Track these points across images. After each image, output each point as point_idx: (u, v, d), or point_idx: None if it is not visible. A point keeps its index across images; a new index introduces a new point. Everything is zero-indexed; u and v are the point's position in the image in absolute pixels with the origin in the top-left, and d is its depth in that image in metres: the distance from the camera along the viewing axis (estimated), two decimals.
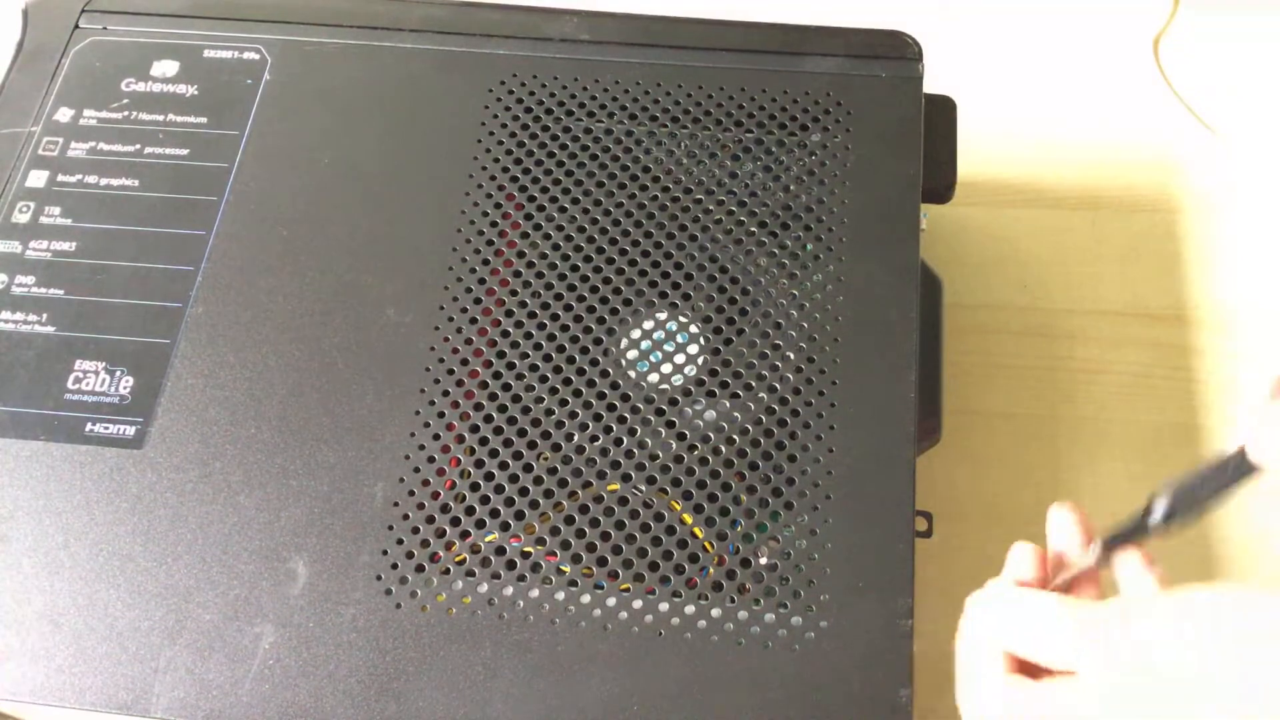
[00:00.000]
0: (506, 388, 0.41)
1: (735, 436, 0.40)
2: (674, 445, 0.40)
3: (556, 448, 0.40)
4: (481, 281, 0.43)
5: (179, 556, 0.38)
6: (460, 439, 0.40)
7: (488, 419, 0.41)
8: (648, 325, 0.42)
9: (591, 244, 0.44)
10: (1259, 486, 0.30)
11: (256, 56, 0.48)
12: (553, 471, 0.40)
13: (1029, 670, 0.31)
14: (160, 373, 0.42)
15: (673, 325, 0.43)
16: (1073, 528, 0.34)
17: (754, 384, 0.41)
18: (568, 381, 0.41)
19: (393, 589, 0.38)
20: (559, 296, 0.43)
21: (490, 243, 0.44)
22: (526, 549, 0.39)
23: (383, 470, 0.40)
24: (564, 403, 0.41)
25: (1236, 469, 0.30)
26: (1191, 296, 0.56)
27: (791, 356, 0.41)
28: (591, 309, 0.43)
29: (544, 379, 0.41)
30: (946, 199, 0.48)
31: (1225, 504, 0.30)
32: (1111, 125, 0.61)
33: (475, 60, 0.48)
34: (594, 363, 0.42)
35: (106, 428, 0.41)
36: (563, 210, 0.45)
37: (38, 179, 0.46)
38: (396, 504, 0.39)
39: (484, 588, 0.38)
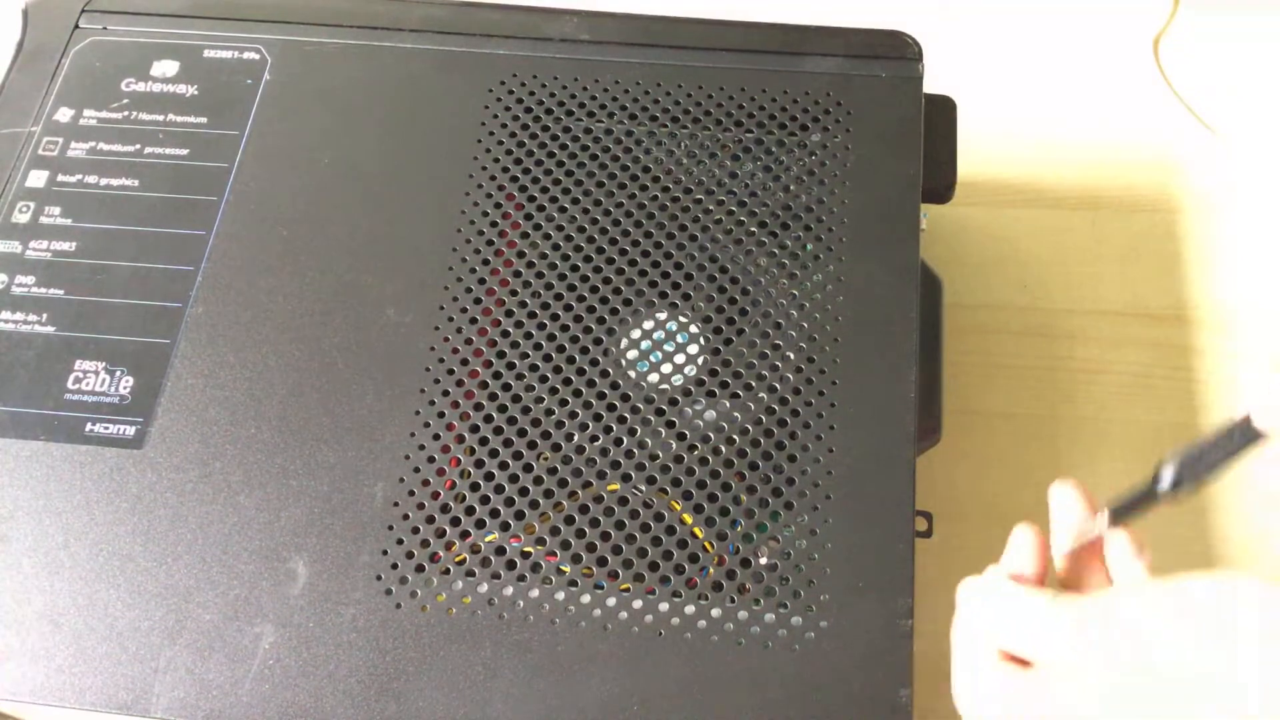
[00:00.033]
0: (506, 388, 0.41)
1: (735, 436, 0.40)
2: (674, 445, 0.40)
3: (556, 448, 0.40)
4: (481, 281, 0.43)
5: (179, 556, 0.38)
6: (460, 439, 0.40)
7: (488, 419, 0.41)
8: (648, 325, 0.42)
9: (591, 244, 0.44)
10: (1264, 453, 0.30)
11: (256, 56, 0.48)
12: (553, 471, 0.40)
13: (1025, 662, 0.31)
14: (160, 373, 0.42)
15: (673, 325, 0.43)
16: (1076, 501, 0.34)
17: (754, 384, 0.41)
18: (568, 381, 0.41)
19: (393, 589, 0.38)
20: (559, 296, 0.43)
21: (490, 243, 0.44)
22: (526, 549, 0.39)
23: (383, 470, 0.40)
24: (564, 403, 0.41)
25: (1242, 436, 0.30)
26: (1191, 296, 0.56)
27: (791, 356, 0.41)
28: (591, 309, 0.43)
29: (544, 379, 0.41)
30: (946, 199, 0.48)
31: (1231, 470, 0.30)
32: (1111, 125, 0.61)
33: (475, 60, 0.48)
34: (594, 363, 0.42)
35: (106, 428, 0.41)
36: (563, 210, 0.45)
37: (38, 179, 0.46)
38: (396, 504, 0.39)
39: (484, 588, 0.38)
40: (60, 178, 0.46)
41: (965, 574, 0.35)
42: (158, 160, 0.46)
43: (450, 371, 0.41)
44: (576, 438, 0.40)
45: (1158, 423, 0.52)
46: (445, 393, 0.41)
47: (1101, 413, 0.53)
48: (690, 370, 0.42)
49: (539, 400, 0.41)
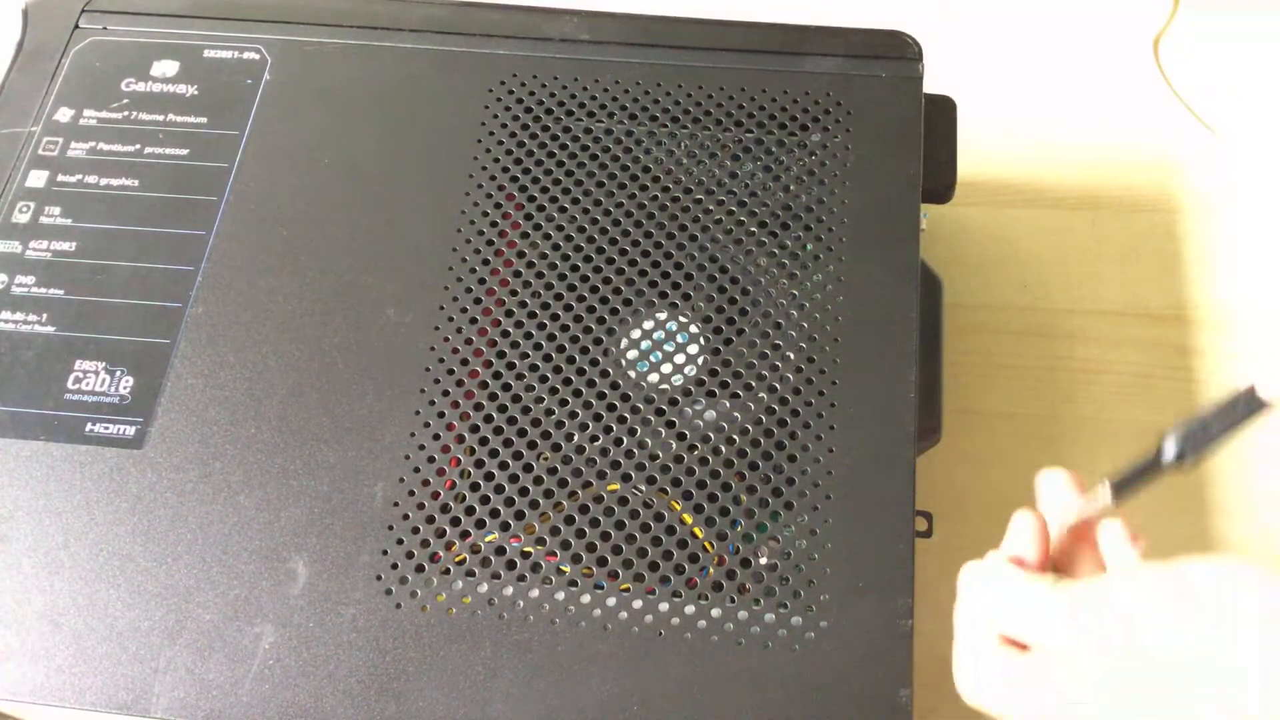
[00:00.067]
0: (506, 388, 0.41)
1: (735, 436, 0.40)
2: (674, 445, 0.40)
3: (556, 448, 0.40)
4: (481, 281, 0.43)
5: (179, 556, 0.38)
6: (460, 439, 0.40)
7: (488, 419, 0.41)
8: (648, 325, 0.42)
9: (591, 244, 0.44)
10: (1267, 424, 0.30)
11: (256, 56, 0.48)
12: (553, 471, 0.40)
13: (1026, 646, 0.31)
14: (160, 373, 0.42)
15: (673, 325, 0.43)
16: (1066, 485, 0.34)
17: (754, 384, 0.41)
18: (568, 381, 0.41)
19: (393, 589, 0.38)
20: (559, 296, 0.43)
21: (490, 243, 0.44)
22: (526, 549, 0.39)
23: (383, 470, 0.40)
24: (564, 403, 0.41)
25: (1246, 406, 0.30)
26: (1191, 296, 0.56)
27: (791, 356, 0.41)
28: (591, 309, 0.43)
29: (544, 379, 0.41)
30: (946, 199, 0.48)
31: (1233, 441, 0.30)
32: (1111, 125, 0.61)
33: (475, 60, 0.48)
34: (594, 363, 0.42)
35: (106, 428, 0.41)
36: (563, 210, 0.45)
37: (38, 179, 0.46)
38: (396, 504, 0.39)
39: (484, 588, 0.38)
40: (60, 178, 0.46)
41: None
42: (158, 160, 0.46)
43: (450, 371, 0.41)
44: (576, 438, 0.40)
45: (1158, 423, 0.52)
46: (445, 393, 0.41)
47: (1101, 413, 0.53)
48: (690, 370, 0.42)
49: (539, 400, 0.41)
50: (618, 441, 0.40)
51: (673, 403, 0.41)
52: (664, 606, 0.37)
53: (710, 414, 0.41)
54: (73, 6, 0.50)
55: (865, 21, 0.48)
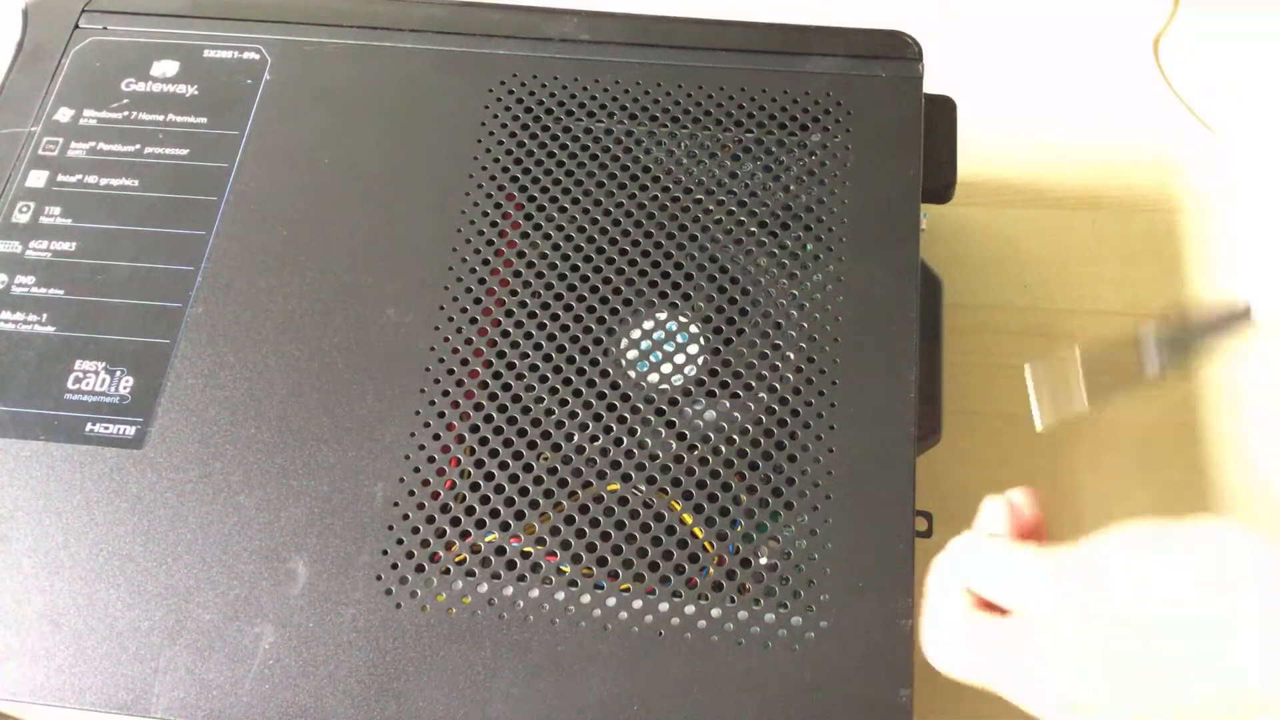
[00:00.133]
0: (506, 388, 0.41)
1: (735, 436, 0.40)
2: (674, 445, 0.40)
3: (556, 448, 0.40)
4: (481, 281, 0.43)
5: (179, 556, 0.38)
6: (460, 439, 0.40)
7: (488, 419, 0.41)
8: (648, 325, 0.42)
9: (591, 244, 0.44)
10: (1248, 339, 0.29)
11: (256, 56, 0.48)
12: (553, 471, 0.40)
13: (1003, 610, 0.31)
14: (160, 373, 0.42)
15: (673, 325, 0.43)
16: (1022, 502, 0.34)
17: (754, 384, 0.41)
18: (568, 381, 0.41)
19: (393, 589, 0.38)
20: (559, 296, 0.43)
21: (490, 243, 0.44)
22: (526, 549, 0.39)
23: (383, 470, 0.40)
24: (564, 403, 0.41)
25: (1234, 318, 0.30)
26: (1191, 296, 0.56)
27: (791, 356, 0.41)
28: (591, 309, 0.43)
29: (544, 379, 0.41)
30: (946, 199, 0.48)
31: (1215, 347, 0.30)
32: (1111, 125, 0.61)
33: (475, 60, 0.48)
34: (594, 363, 0.42)
35: (106, 428, 0.41)
36: (563, 210, 0.45)
37: (38, 179, 0.46)
38: (396, 504, 0.39)
39: (484, 588, 0.38)
40: (60, 178, 0.46)
41: None
42: (158, 160, 0.46)
43: (450, 371, 0.41)
44: (576, 438, 0.40)
45: (1158, 422, 0.52)
46: (445, 393, 0.41)
47: (1102, 413, 0.53)
48: (690, 370, 0.42)
49: (539, 400, 0.41)
50: (618, 441, 0.40)
51: (673, 403, 0.41)
52: (664, 606, 0.37)
53: (710, 414, 0.41)
54: (73, 6, 0.50)
55: (865, 21, 0.48)
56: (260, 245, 0.44)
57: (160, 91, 0.48)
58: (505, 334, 0.42)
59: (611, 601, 0.37)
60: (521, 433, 0.40)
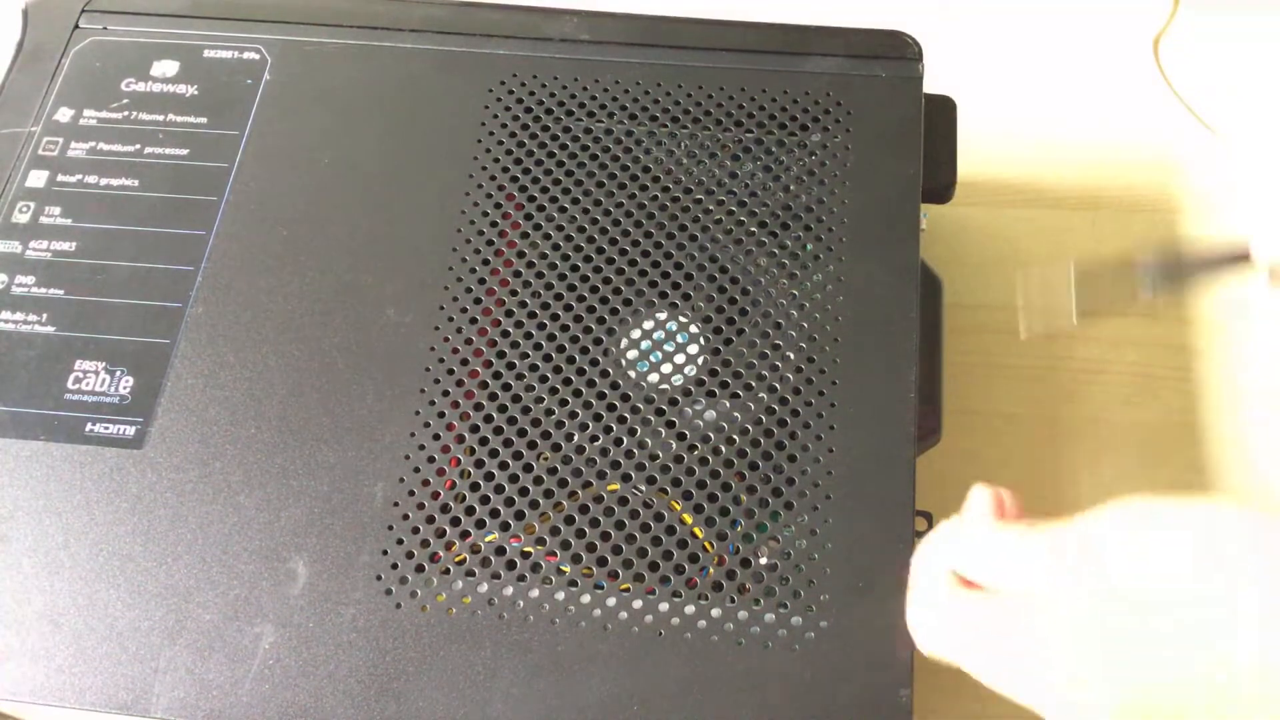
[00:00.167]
0: (506, 388, 0.41)
1: (735, 436, 0.40)
2: (674, 445, 0.40)
3: (556, 448, 0.40)
4: (481, 281, 0.43)
5: (179, 556, 0.38)
6: (460, 439, 0.40)
7: (488, 419, 0.41)
8: (648, 325, 0.42)
9: (591, 244, 0.44)
10: (1245, 276, 0.29)
11: (256, 56, 0.48)
12: (553, 471, 0.40)
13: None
14: (160, 373, 0.42)
15: (673, 325, 0.43)
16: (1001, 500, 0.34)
17: (754, 384, 0.41)
18: (568, 381, 0.41)
19: (393, 589, 0.38)
20: (559, 296, 0.43)
21: (490, 243, 0.44)
22: (526, 549, 0.39)
23: (383, 470, 0.40)
24: (564, 403, 0.41)
25: (1233, 257, 0.30)
26: (1191, 297, 0.56)
27: (791, 356, 0.41)
28: (591, 309, 0.43)
29: (544, 379, 0.41)
30: (946, 199, 0.48)
31: (1211, 282, 0.30)
32: (1111, 125, 0.61)
33: (475, 60, 0.48)
34: (594, 363, 0.42)
35: (106, 428, 0.41)
36: (563, 210, 0.45)
37: (38, 179, 0.46)
38: (396, 504, 0.39)
39: (484, 588, 0.38)
40: (60, 178, 0.46)
41: None
42: (158, 160, 0.46)
43: (450, 371, 0.41)
44: (576, 438, 0.40)
45: (1158, 423, 0.52)
46: (445, 393, 0.41)
47: (1102, 413, 0.53)
48: (690, 370, 0.42)
49: (539, 400, 0.41)
50: (618, 441, 0.40)
51: (673, 403, 0.41)
52: (664, 606, 0.37)
53: (710, 414, 0.41)
54: (73, 6, 0.50)
55: (865, 21, 0.48)
56: (260, 245, 0.44)
57: (160, 91, 0.48)
58: (505, 334, 0.42)
59: (611, 601, 0.37)
60: (521, 433, 0.40)
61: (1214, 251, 0.30)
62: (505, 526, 0.39)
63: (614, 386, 0.41)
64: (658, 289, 0.43)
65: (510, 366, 0.41)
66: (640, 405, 0.41)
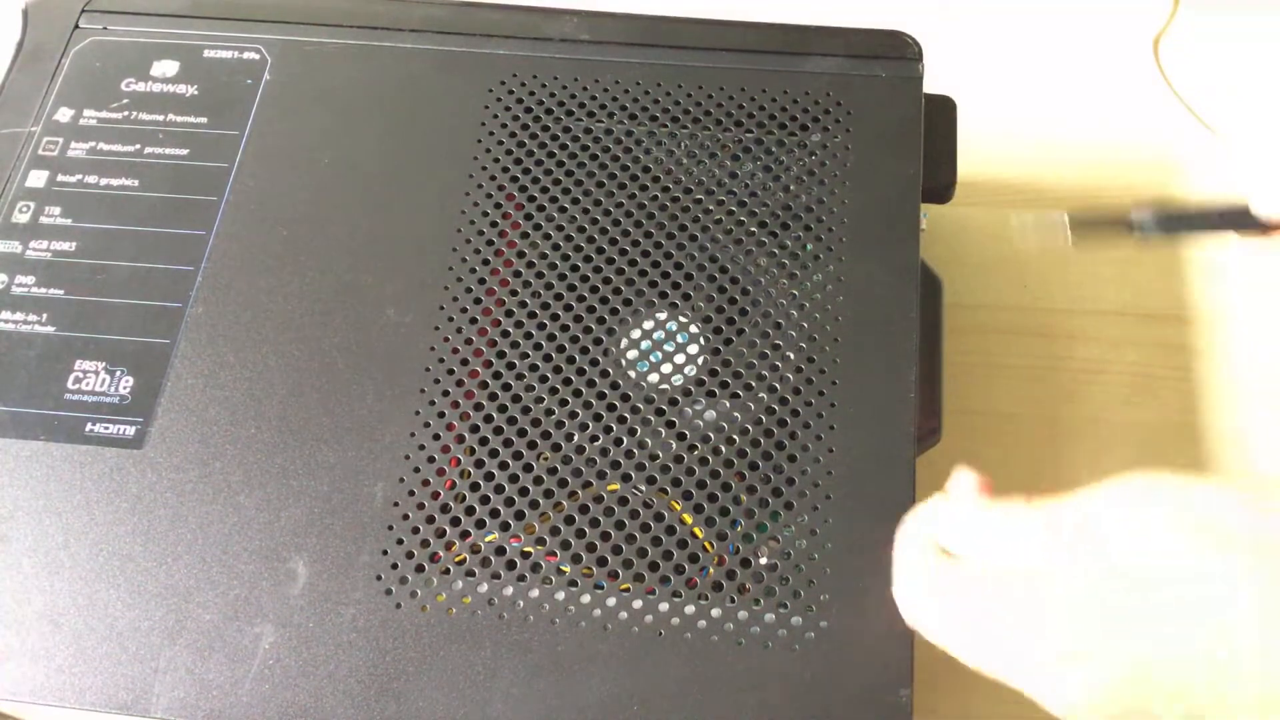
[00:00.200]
0: (506, 388, 0.41)
1: (735, 436, 0.40)
2: (674, 445, 0.40)
3: (556, 448, 0.40)
4: (481, 281, 0.43)
5: (179, 556, 0.38)
6: (460, 439, 0.40)
7: (488, 419, 0.41)
8: (648, 325, 0.42)
9: (591, 244, 0.44)
10: (1243, 238, 0.29)
11: (256, 56, 0.48)
12: (553, 471, 0.40)
13: None
14: (160, 373, 0.42)
15: (673, 325, 0.43)
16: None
17: (754, 384, 0.41)
18: (568, 381, 0.41)
19: (393, 589, 0.38)
20: (559, 296, 0.43)
21: (490, 243, 0.44)
22: (526, 549, 0.39)
23: (383, 470, 0.40)
24: (564, 403, 0.41)
25: (1232, 218, 0.30)
26: (1191, 297, 0.56)
27: (791, 356, 0.41)
28: (591, 309, 0.43)
29: (544, 379, 0.41)
30: (946, 199, 0.48)
31: (1201, 236, 0.30)
32: (1111, 125, 0.61)
33: (475, 60, 0.48)
34: (594, 363, 0.42)
35: (106, 428, 0.41)
36: (563, 210, 0.45)
37: (38, 179, 0.46)
38: (396, 504, 0.39)
39: (484, 588, 0.38)
40: (60, 178, 0.46)
41: None
42: (158, 160, 0.46)
43: (450, 371, 0.41)
44: (576, 438, 0.40)
45: (1158, 423, 0.52)
46: (445, 393, 0.41)
47: (1102, 413, 0.53)
48: (690, 370, 0.42)
49: (539, 400, 0.41)
50: (618, 441, 0.40)
51: (673, 403, 0.41)
52: (664, 606, 0.37)
53: (710, 414, 0.41)
54: (73, 6, 0.50)
55: (865, 21, 0.48)
56: (260, 245, 0.44)
57: (160, 91, 0.48)
58: (505, 334, 0.42)
59: (611, 601, 0.37)
60: (521, 433, 0.40)
61: (1214, 209, 0.30)
62: (505, 526, 0.39)
63: (614, 386, 0.41)
64: (658, 289, 0.43)
65: (510, 366, 0.41)
66: (640, 405, 0.41)
